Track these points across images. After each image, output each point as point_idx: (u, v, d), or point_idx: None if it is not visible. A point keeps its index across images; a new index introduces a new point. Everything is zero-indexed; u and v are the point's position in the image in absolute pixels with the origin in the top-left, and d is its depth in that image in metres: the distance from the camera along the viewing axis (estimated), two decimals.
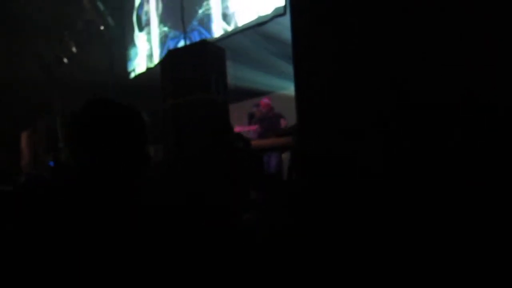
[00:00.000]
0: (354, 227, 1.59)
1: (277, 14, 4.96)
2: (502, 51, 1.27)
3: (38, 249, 1.02)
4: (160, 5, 7.24)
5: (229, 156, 3.02)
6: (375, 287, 1.48)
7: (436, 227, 1.39)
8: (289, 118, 4.98)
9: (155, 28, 7.38)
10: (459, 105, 1.36)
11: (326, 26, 1.73)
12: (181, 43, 6.29)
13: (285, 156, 4.87)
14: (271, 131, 4.93)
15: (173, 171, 3.27)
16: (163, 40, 7.13)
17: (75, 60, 7.19)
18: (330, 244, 1.64)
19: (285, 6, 4.78)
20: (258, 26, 5.29)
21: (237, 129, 4.52)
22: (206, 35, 6.02)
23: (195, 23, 6.22)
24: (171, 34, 6.89)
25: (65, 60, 7.15)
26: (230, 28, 5.71)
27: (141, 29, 7.81)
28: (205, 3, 6.08)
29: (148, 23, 7.62)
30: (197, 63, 3.49)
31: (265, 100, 5.51)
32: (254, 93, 6.35)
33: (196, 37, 6.12)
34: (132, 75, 8.15)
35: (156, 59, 7.26)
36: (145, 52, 7.74)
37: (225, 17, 5.81)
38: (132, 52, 8.21)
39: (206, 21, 6.08)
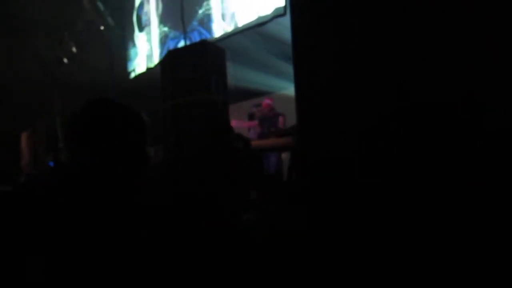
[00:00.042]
0: (354, 227, 1.59)
1: (277, 14, 4.96)
2: (502, 51, 1.27)
3: (38, 249, 1.02)
4: (160, 5, 7.24)
5: (229, 156, 3.02)
6: (375, 286, 1.48)
7: (436, 227, 1.39)
8: (289, 118, 4.99)
9: (155, 28, 7.39)
10: (459, 105, 1.36)
11: (326, 26, 1.73)
12: (181, 43, 6.30)
13: (285, 156, 4.87)
14: (272, 132, 4.94)
15: (173, 171, 3.27)
16: (163, 40, 7.14)
17: (75, 60, 7.18)
18: (330, 244, 1.64)
19: (285, 7, 4.78)
20: (258, 27, 5.29)
21: (234, 123, 4.52)
22: (206, 36, 6.02)
23: (195, 23, 6.22)
24: (171, 34, 6.90)
25: (65, 60, 7.15)
26: (230, 29, 5.71)
27: (141, 29, 7.81)
28: (205, 3, 6.08)
29: (148, 23, 7.62)
30: (197, 63, 3.48)
31: (267, 101, 5.53)
32: (254, 94, 6.36)
33: (196, 37, 6.12)
34: (132, 75, 8.15)
35: (156, 59, 7.26)
36: (145, 52, 7.74)
37: (225, 17, 5.80)
38: (132, 52, 8.22)
39: (206, 21, 6.08)
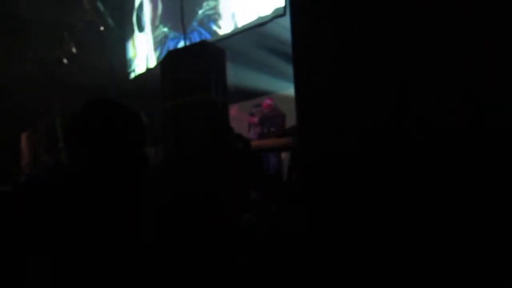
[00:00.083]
0: (354, 227, 1.59)
1: (277, 14, 4.96)
2: (502, 51, 1.27)
3: (39, 249, 1.02)
4: (160, 5, 7.24)
5: (229, 156, 3.02)
6: (375, 286, 1.48)
7: (436, 227, 1.39)
8: (289, 119, 4.99)
9: (155, 28, 7.39)
10: (459, 105, 1.36)
11: (326, 26, 1.73)
12: (181, 44, 6.30)
13: (285, 156, 4.87)
14: (272, 132, 4.94)
15: (173, 171, 3.27)
16: (163, 40, 7.14)
17: (75, 61, 7.19)
18: (330, 244, 1.64)
19: (285, 7, 4.78)
20: (258, 27, 5.29)
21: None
22: (206, 36, 6.02)
23: (195, 23, 6.22)
24: (171, 35, 6.90)
25: (65, 60, 7.15)
26: (230, 29, 5.71)
27: (141, 29, 7.81)
28: (205, 4, 6.08)
29: (148, 24, 7.62)
30: (197, 64, 3.49)
31: (267, 101, 5.53)
32: (254, 94, 6.37)
33: (196, 38, 6.12)
34: (132, 75, 8.15)
35: (156, 60, 7.26)
36: (145, 52, 7.74)
37: (225, 17, 5.81)
38: (132, 52, 8.22)
39: (206, 22, 6.09)
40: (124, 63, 8.31)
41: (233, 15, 5.67)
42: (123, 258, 1.06)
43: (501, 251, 1.26)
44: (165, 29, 7.08)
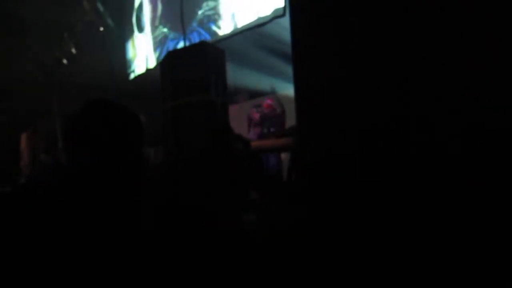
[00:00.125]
0: (354, 227, 1.58)
1: (277, 15, 4.96)
2: (502, 51, 1.27)
3: (39, 249, 1.02)
4: (160, 6, 7.24)
5: (229, 157, 3.02)
6: (375, 286, 1.48)
7: (437, 227, 1.39)
8: (289, 119, 4.99)
9: (155, 29, 7.39)
10: (459, 105, 1.36)
11: (326, 26, 1.73)
12: (181, 44, 6.29)
13: (284, 156, 4.87)
14: (272, 132, 4.94)
15: (172, 172, 3.27)
16: (163, 41, 7.14)
17: (74, 61, 7.18)
18: (330, 244, 1.64)
19: (284, 7, 4.78)
20: (258, 27, 5.29)
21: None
22: (205, 36, 6.02)
23: (194, 24, 6.22)
24: (171, 35, 6.90)
25: (65, 61, 7.14)
26: (229, 29, 5.71)
27: (140, 30, 7.82)
28: (204, 4, 6.08)
29: (147, 24, 7.62)
30: (196, 64, 3.49)
31: (268, 101, 5.52)
32: (254, 94, 6.37)
33: (195, 38, 6.12)
34: (132, 76, 8.15)
35: (155, 60, 7.26)
36: (144, 53, 7.74)
37: (225, 18, 5.81)
38: (131, 53, 8.22)
39: (205, 22, 6.09)
40: (124, 63, 8.31)
41: (232, 16, 5.67)
42: (122, 259, 1.06)
43: (501, 251, 1.26)
44: (165, 30, 7.08)
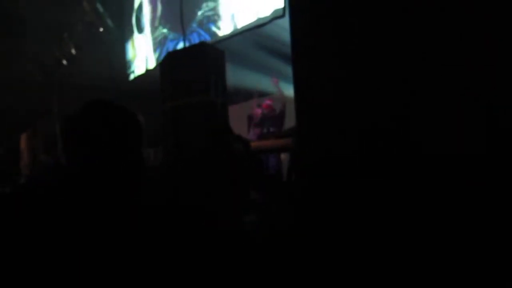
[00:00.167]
0: (354, 227, 1.58)
1: (276, 16, 4.96)
2: (502, 51, 1.28)
3: (39, 250, 1.02)
4: (160, 7, 7.24)
5: (229, 157, 3.02)
6: (375, 286, 1.48)
7: (437, 227, 1.39)
8: (289, 119, 4.99)
9: (155, 30, 7.39)
10: (460, 105, 1.36)
11: (326, 26, 1.73)
12: (181, 45, 6.30)
13: (284, 157, 4.87)
14: (271, 133, 4.94)
15: (172, 172, 3.27)
16: (163, 42, 7.14)
17: (74, 62, 7.19)
18: (330, 244, 1.64)
19: (284, 8, 4.79)
20: (257, 28, 5.29)
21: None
22: (205, 37, 6.03)
23: (194, 25, 6.23)
24: (171, 36, 6.90)
25: (65, 62, 7.15)
26: (229, 30, 5.71)
27: (140, 31, 7.82)
28: (204, 5, 6.08)
29: (147, 25, 7.63)
30: (196, 65, 3.49)
31: (267, 102, 5.53)
32: (254, 95, 6.36)
33: (195, 39, 6.12)
34: (132, 76, 8.15)
35: (155, 61, 7.27)
36: (144, 54, 7.75)
37: (224, 19, 5.81)
38: (131, 53, 8.22)
39: (205, 23, 6.09)
40: (124, 64, 8.32)
41: (232, 16, 5.68)
42: (122, 259, 1.06)
43: (501, 251, 1.26)
44: (165, 30, 7.08)
